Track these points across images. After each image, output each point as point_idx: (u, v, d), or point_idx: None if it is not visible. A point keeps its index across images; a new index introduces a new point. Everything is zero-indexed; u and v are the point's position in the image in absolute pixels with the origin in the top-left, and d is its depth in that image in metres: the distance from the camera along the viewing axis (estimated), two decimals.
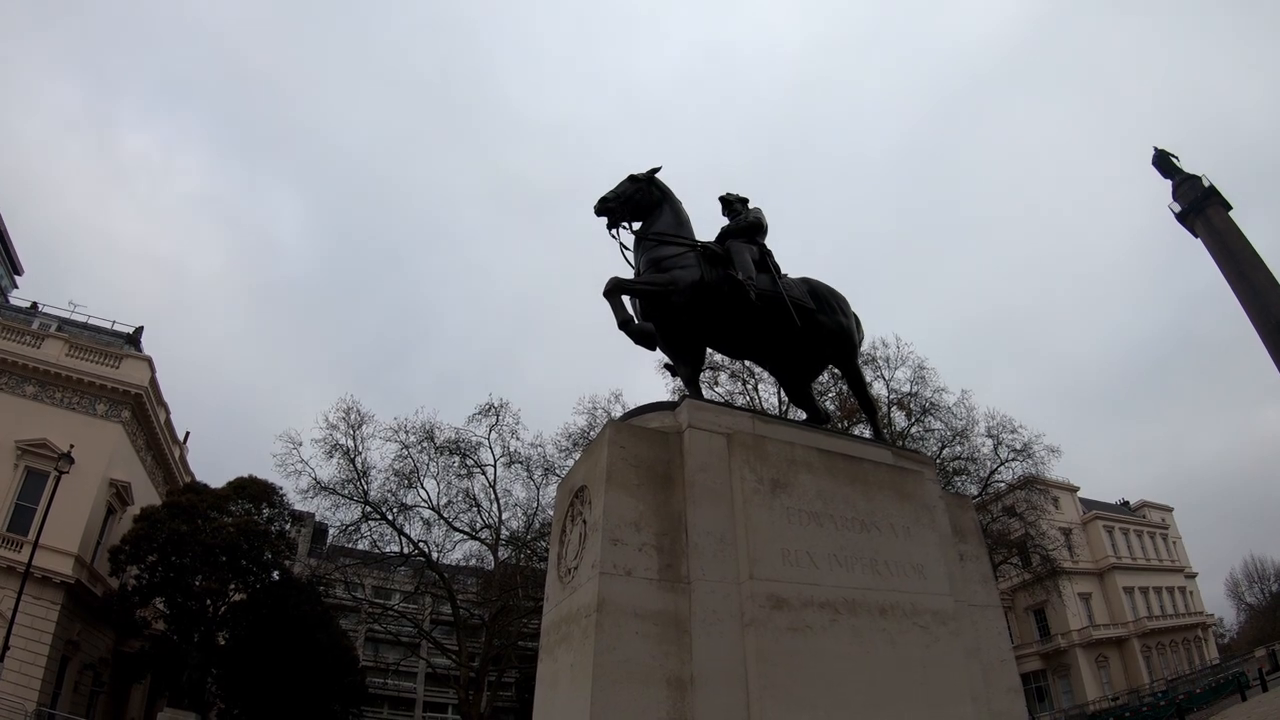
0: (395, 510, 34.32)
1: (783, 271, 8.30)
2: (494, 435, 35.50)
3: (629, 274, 7.60)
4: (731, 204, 8.97)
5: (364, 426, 34.63)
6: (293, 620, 30.41)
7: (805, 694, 5.31)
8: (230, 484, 32.80)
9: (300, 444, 33.81)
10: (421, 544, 34.68)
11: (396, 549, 35.15)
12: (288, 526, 33.91)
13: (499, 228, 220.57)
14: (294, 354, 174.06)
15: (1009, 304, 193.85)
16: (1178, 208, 56.65)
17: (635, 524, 5.55)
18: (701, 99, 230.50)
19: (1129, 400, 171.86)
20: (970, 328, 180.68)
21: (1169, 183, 57.63)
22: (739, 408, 8.57)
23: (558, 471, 33.87)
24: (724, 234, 8.41)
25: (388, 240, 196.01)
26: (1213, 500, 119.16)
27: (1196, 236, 55.94)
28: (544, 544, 33.94)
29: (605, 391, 63.48)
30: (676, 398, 7.00)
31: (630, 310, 7.14)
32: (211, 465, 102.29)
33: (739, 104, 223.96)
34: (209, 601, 30.48)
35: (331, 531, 37.01)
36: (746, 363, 30.81)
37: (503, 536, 35.51)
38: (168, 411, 36.43)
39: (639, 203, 7.95)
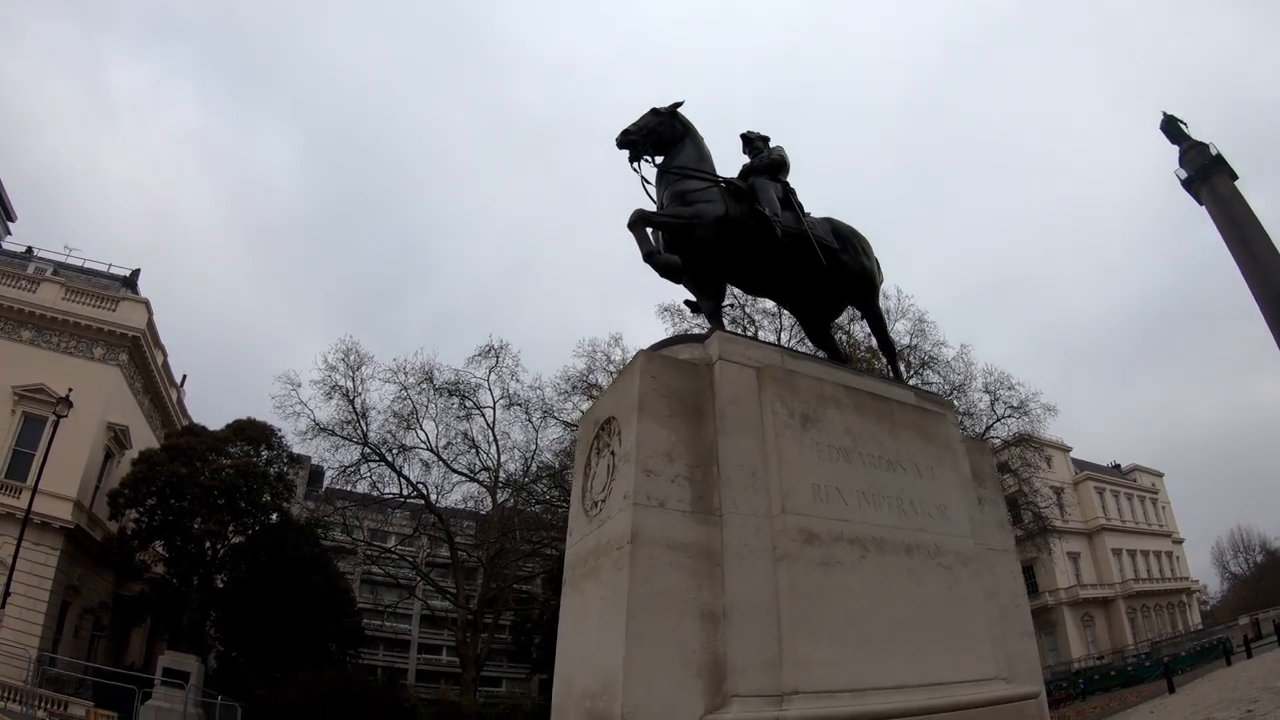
0: (394, 452, 34.29)
1: (806, 210, 8.14)
2: (493, 377, 35.30)
3: (651, 208, 7.43)
4: (753, 141, 8.83)
5: (363, 368, 34.43)
6: (290, 562, 30.64)
7: (834, 628, 5.28)
8: (229, 426, 32.54)
9: (299, 385, 33.59)
10: (420, 486, 34.77)
11: (395, 491, 35.20)
12: (286, 469, 33.82)
13: (498, 165, 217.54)
14: (290, 294, 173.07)
15: (1010, 262, 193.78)
16: (1184, 174, 56.21)
17: (668, 455, 5.45)
18: (708, 39, 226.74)
19: (1125, 364, 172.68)
20: (971, 284, 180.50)
21: (1176, 148, 57.17)
22: (767, 343, 8.45)
23: (556, 414, 33.83)
24: (746, 171, 8.29)
25: (384, 178, 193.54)
26: (1203, 468, 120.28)
27: (1201, 204, 55.62)
28: (541, 487, 34.03)
29: (605, 335, 63.15)
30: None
31: (654, 243, 6.98)
32: (209, 407, 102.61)
33: (746, 45, 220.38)
34: (208, 544, 30.49)
35: (329, 473, 36.93)
36: (747, 310, 30.54)
37: (501, 479, 35.48)
38: (165, 354, 36.22)
39: (661, 136, 7.76)
